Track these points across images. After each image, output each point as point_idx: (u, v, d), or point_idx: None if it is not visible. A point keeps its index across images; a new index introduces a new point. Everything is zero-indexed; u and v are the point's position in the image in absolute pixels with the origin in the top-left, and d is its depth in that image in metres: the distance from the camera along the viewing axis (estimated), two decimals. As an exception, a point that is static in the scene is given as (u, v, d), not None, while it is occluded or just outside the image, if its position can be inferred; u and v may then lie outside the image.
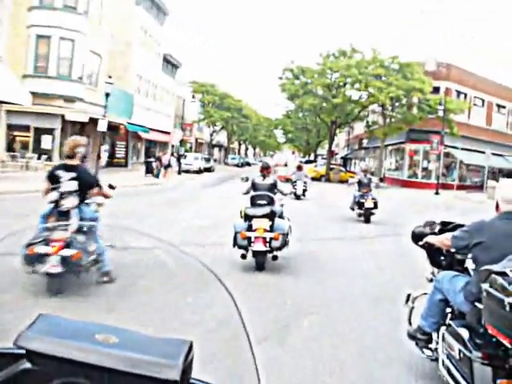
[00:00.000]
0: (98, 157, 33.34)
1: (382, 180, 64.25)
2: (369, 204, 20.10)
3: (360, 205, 20.52)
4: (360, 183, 21.00)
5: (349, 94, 50.06)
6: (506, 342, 4.02)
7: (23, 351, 1.25)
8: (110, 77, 33.89)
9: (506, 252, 4.42)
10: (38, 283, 7.32)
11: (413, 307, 6.42)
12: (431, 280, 6.16)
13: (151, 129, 58.56)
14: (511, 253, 4.37)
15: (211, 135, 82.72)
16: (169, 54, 66.43)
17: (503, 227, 4.88)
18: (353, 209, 21.28)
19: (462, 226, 5.55)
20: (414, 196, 40.17)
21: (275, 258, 10.68)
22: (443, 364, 5.13)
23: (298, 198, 30.40)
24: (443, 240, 5.54)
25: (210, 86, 77.14)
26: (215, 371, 1.69)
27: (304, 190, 30.79)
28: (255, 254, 10.65)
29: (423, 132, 49.73)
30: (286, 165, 61.66)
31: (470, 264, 5.53)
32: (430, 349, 5.77)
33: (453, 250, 5.64)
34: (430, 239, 5.84)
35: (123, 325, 1.39)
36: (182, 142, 55.08)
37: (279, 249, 10.64)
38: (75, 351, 1.22)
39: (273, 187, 11.85)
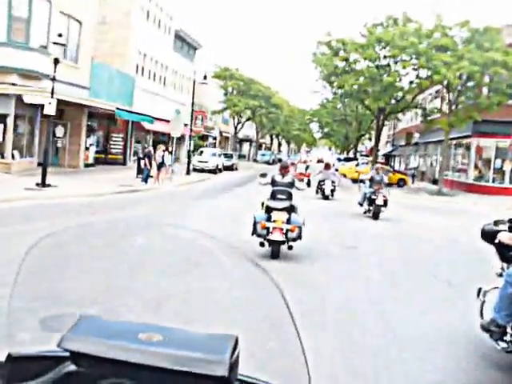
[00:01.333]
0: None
1: (435, 182, 53.42)
2: (379, 201, 20.56)
3: (371, 201, 21.03)
4: (372, 180, 21.77)
5: (403, 72, 39.03)
6: None
7: (67, 353, 1.25)
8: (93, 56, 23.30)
9: None
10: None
11: (484, 301, 6.71)
12: (501, 275, 6.58)
13: (159, 119, 48.41)
14: None
15: (235, 128, 71.87)
16: (182, 30, 56.11)
17: None
18: (361, 204, 21.83)
19: None
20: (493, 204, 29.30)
21: (290, 247, 11.79)
22: None
23: (326, 197, 29.46)
24: None
25: (235, 69, 66.65)
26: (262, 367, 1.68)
27: (332, 190, 29.65)
28: (272, 243, 11.67)
29: (496, 123, 38.58)
30: (320, 161, 53.94)
31: None
32: (505, 341, 6.06)
33: None
34: (504, 237, 6.32)
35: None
36: (188, 136, 44.41)
37: (294, 240, 11.75)
38: (119, 351, 1.21)
39: (291, 185, 12.85)
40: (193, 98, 42.89)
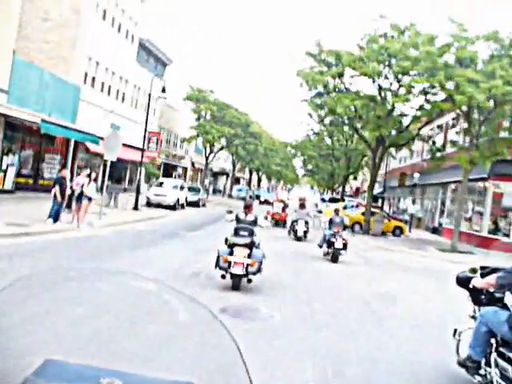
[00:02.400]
0: None
1: (434, 231, 45.22)
2: (339, 244, 20.09)
3: (330, 244, 20.46)
4: (331, 222, 21.31)
5: (412, 93, 30.98)
6: None
7: None
8: None
9: None
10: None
11: (459, 340, 7.49)
12: (473, 317, 7.44)
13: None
14: None
15: (207, 158, 63.37)
16: (149, 40, 48.18)
17: None
18: (321, 246, 21.45)
19: (499, 269, 6.99)
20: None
21: (250, 281, 12.62)
22: None
23: (298, 239, 27.80)
24: (488, 281, 6.75)
25: (209, 91, 58.59)
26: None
27: (305, 231, 27.90)
28: (233, 276, 12.40)
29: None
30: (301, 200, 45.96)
31: (508, 300, 6.82)
32: (480, 374, 6.82)
33: (491, 290, 6.93)
34: (477, 282, 7.03)
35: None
36: (142, 163, 35.80)
37: (254, 274, 12.46)
38: None
39: (253, 223, 13.63)
40: (147, 115, 34.52)
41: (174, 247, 19.54)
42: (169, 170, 64.83)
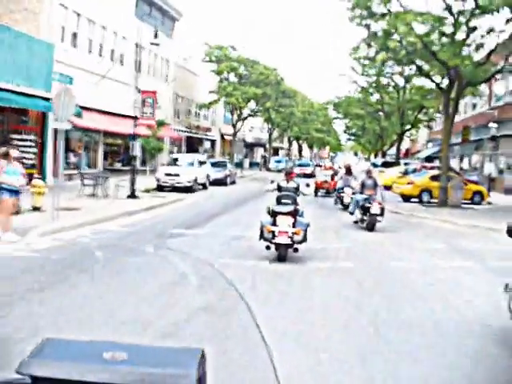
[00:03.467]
0: None
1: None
2: (375, 209, 17.62)
3: (365, 210, 18.11)
4: (363, 185, 18.89)
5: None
6: None
7: (28, 380, 1.21)
8: None
9: None
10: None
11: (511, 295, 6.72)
12: None
13: (109, 113, 32.17)
14: None
15: (234, 126, 54.54)
16: (148, -13, 39.54)
17: None
18: (352, 213, 19.32)
19: None
20: None
21: (296, 250, 11.97)
22: None
23: (345, 207, 23.44)
24: None
25: (230, 47, 49.68)
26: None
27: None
28: (278, 246, 11.84)
29: None
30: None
31: None
32: None
33: None
34: None
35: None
36: (135, 135, 26.84)
37: (300, 243, 11.86)
38: (84, 372, 1.19)
39: (295, 190, 13.20)
40: (136, 71, 25.93)
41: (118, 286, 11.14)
42: (193, 145, 56.56)
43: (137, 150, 25.50)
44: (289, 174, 13.68)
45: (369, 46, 28.36)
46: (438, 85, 26.66)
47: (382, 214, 17.88)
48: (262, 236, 11.93)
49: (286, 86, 52.43)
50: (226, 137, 64.11)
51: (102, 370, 1.19)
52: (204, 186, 34.77)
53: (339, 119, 73.79)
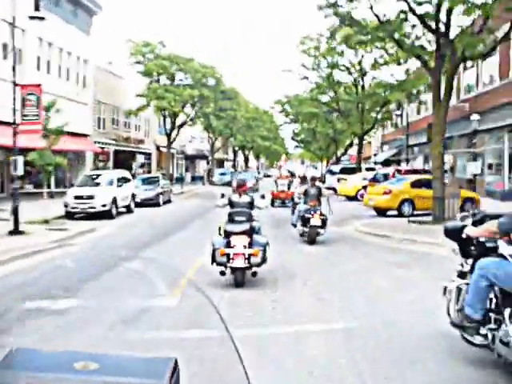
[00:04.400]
0: None
1: (505, 197, 30.38)
2: (315, 221, 16.23)
3: (305, 221, 16.50)
4: (306, 194, 17.33)
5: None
6: None
7: None
8: None
9: None
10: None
11: (450, 299, 6.53)
12: (461, 272, 6.59)
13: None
14: None
15: (168, 136, 46.73)
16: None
17: None
18: (294, 225, 17.75)
19: (492, 215, 6.26)
20: None
21: (254, 274, 10.64)
22: None
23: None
24: (488, 228, 5.90)
25: (159, 44, 42.37)
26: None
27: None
28: (234, 270, 10.55)
29: None
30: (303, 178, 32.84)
31: (503, 249, 5.87)
32: (481, 334, 5.97)
33: (482, 239, 6.12)
34: (471, 231, 6.20)
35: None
36: (16, 147, 19.24)
37: (259, 265, 10.59)
38: (55, 383, 1.16)
39: (250, 204, 11.69)
40: (14, 63, 18.86)
41: None
42: (124, 160, 49.31)
43: (19, 167, 18.26)
44: (241, 187, 12.17)
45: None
46: (425, 63, 20.17)
47: (323, 226, 16.52)
48: (214, 260, 10.64)
49: (226, 86, 45.38)
50: (162, 149, 56.97)
51: (74, 381, 1.14)
52: (128, 209, 27.84)
53: (287, 123, 67.08)
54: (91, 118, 39.43)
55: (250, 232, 10.79)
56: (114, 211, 25.22)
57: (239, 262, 10.39)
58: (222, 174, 64.08)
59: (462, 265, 6.68)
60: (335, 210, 19.95)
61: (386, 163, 57.82)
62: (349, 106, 42.66)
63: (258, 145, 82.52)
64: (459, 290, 6.53)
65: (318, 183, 18.18)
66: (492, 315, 5.93)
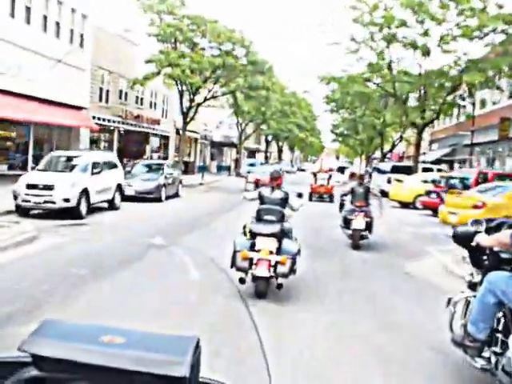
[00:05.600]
0: None
1: None
2: (358, 224, 14.41)
3: (347, 223, 14.85)
4: (353, 194, 15.32)
5: None
6: None
7: (29, 358, 1.24)
8: None
9: None
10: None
11: (454, 312, 6.02)
12: (471, 283, 5.95)
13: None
14: None
15: (185, 115, 38.07)
16: None
17: None
18: (342, 227, 15.50)
19: (505, 222, 5.70)
20: None
21: (280, 286, 8.90)
22: None
23: None
24: (500, 238, 5.23)
25: (178, 1, 34.41)
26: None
27: None
28: (256, 279, 8.86)
29: None
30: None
31: None
32: (483, 357, 5.39)
33: (496, 249, 5.46)
34: (482, 239, 5.54)
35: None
36: None
37: (285, 276, 8.80)
38: (81, 353, 1.20)
39: (283, 202, 9.85)
40: None
41: None
42: (135, 142, 42.05)
43: None
44: (275, 179, 9.97)
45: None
46: None
47: (368, 229, 14.57)
48: (233, 263, 8.88)
49: (258, 56, 37.34)
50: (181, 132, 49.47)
51: (100, 353, 1.19)
52: (111, 205, 20.58)
53: (328, 112, 58.78)
54: (89, 88, 32.06)
55: (280, 235, 8.96)
56: (83, 208, 17.86)
57: (263, 270, 8.64)
58: (251, 164, 56.41)
59: (471, 274, 5.95)
60: (392, 225, 17.41)
61: (437, 163, 50.03)
62: (406, 88, 34.41)
63: (293, 135, 74.68)
64: (468, 302, 5.85)
65: (366, 182, 16.45)
66: (499, 336, 5.15)
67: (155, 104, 45.62)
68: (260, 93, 39.62)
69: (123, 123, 38.28)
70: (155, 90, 43.71)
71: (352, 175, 24.64)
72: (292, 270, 8.83)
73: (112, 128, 37.06)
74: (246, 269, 8.79)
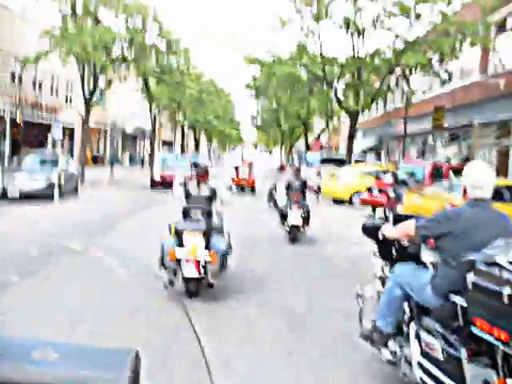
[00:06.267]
0: None
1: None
2: (294, 219, 13.95)
3: (284, 217, 14.55)
4: (290, 187, 14.96)
5: None
6: (502, 336, 3.68)
7: None
8: None
9: (477, 241, 4.36)
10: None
11: (363, 306, 6.04)
12: (381, 277, 5.97)
13: None
14: (484, 241, 4.24)
15: (87, 103, 32.93)
16: None
17: (471, 216, 4.69)
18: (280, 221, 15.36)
19: (412, 216, 5.52)
20: None
21: (211, 285, 8.59)
22: (418, 365, 4.76)
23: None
24: (405, 230, 5.14)
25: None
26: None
27: None
28: (186, 280, 8.43)
29: None
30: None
31: (426, 255, 5.28)
32: (390, 350, 5.43)
33: (406, 243, 5.45)
34: (388, 231, 5.49)
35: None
36: None
37: (216, 274, 8.55)
38: (11, 372, 1.11)
39: (211, 198, 9.46)
40: None
41: None
42: (34, 133, 37.16)
43: None
44: (202, 176, 9.56)
45: None
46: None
47: (306, 223, 14.31)
48: (162, 264, 8.52)
49: (172, 35, 32.92)
50: (91, 124, 44.68)
51: (31, 371, 1.11)
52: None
53: (252, 97, 55.12)
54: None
55: (208, 232, 8.45)
56: None
57: (192, 271, 8.26)
58: (165, 158, 52.32)
59: (382, 269, 5.93)
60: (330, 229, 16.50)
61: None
62: (337, 71, 31.03)
63: (211, 126, 70.79)
64: (378, 296, 5.85)
65: (302, 175, 16.62)
66: (405, 329, 5.19)
67: (57, 90, 40.70)
68: (173, 77, 35.33)
69: (16, 111, 33.32)
70: (56, 73, 38.79)
71: (282, 167, 24.23)
72: (223, 267, 8.68)
73: (1, 115, 32.10)
74: (174, 269, 8.44)
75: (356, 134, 60.41)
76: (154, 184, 30.34)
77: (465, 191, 4.81)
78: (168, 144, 79.10)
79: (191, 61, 40.29)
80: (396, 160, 37.90)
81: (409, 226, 5.04)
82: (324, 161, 32.37)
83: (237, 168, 31.79)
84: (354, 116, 30.77)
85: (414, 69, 28.86)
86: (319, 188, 27.52)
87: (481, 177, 4.70)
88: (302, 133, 59.21)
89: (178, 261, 8.29)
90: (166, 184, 26.29)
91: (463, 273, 4.05)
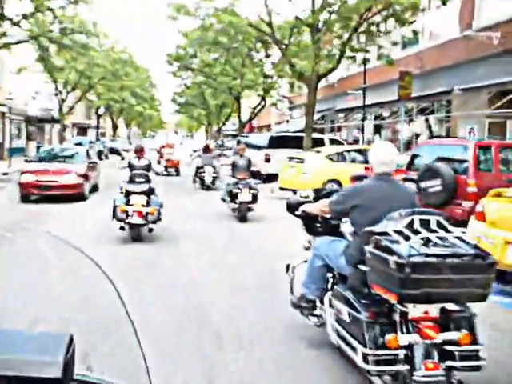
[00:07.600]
0: None
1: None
2: (245, 196, 14.53)
3: (233, 197, 14.79)
4: (235, 166, 15.52)
5: None
6: (392, 299, 4.07)
7: None
8: None
9: (381, 213, 4.56)
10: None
11: (293, 276, 6.42)
12: (308, 248, 6.30)
13: None
14: (387, 213, 4.46)
15: None
16: None
17: (377, 189, 4.98)
18: (224, 200, 15.75)
19: (335, 191, 5.83)
20: None
21: (151, 230, 11.48)
22: (333, 328, 5.10)
23: (206, 187, 23.16)
24: (321, 207, 5.59)
25: None
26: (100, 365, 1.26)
27: (214, 178, 23.33)
28: (132, 226, 11.30)
29: None
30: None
31: (345, 228, 5.62)
32: (316, 315, 5.83)
33: (328, 216, 5.70)
34: (307, 208, 5.91)
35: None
36: None
37: (154, 222, 11.40)
38: None
39: (148, 168, 12.56)
40: None
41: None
42: None
43: None
44: (140, 151, 12.94)
45: None
46: None
47: (254, 201, 14.79)
48: (114, 216, 11.35)
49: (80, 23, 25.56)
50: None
51: None
52: None
53: (174, 74, 48.01)
54: None
55: (148, 192, 11.55)
56: None
57: (137, 219, 11.18)
58: (79, 143, 44.81)
59: (309, 242, 6.30)
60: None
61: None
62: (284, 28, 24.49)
63: (129, 107, 63.37)
64: None
65: (247, 154, 16.23)
66: (326, 297, 5.49)
67: None
68: (76, 41, 27.94)
69: None
70: None
71: (206, 148, 24.71)
72: (159, 218, 11.43)
73: None
74: (124, 219, 11.15)
75: (292, 111, 54.62)
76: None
77: (372, 168, 5.12)
78: (82, 129, 71.18)
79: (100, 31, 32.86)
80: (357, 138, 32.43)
81: (324, 202, 5.49)
82: (273, 141, 25.91)
83: (159, 150, 32.52)
84: (313, 84, 24.33)
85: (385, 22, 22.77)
86: (268, 176, 22.10)
87: (384, 154, 5.00)
88: (232, 112, 52.96)
89: (126, 212, 11.11)
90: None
91: (364, 243, 4.43)
